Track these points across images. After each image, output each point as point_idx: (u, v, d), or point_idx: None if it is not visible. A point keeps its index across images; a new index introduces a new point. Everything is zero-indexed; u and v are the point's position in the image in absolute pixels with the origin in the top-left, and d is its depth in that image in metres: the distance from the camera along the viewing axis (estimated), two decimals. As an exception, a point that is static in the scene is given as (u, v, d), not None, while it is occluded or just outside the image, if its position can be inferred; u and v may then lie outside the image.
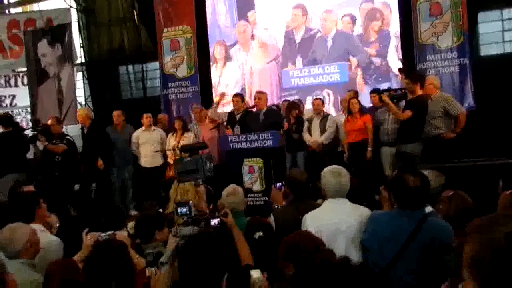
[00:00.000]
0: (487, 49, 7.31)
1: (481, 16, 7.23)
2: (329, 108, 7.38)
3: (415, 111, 5.04)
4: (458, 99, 6.05)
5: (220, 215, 2.66)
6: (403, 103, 5.40)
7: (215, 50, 8.46)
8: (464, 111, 5.27)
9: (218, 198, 3.66)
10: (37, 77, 9.05)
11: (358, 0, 7.53)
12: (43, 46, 8.98)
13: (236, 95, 6.39)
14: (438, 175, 3.10)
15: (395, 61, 7.29)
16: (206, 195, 3.97)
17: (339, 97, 7.35)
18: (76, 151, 6.53)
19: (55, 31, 9.01)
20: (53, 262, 2.42)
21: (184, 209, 2.32)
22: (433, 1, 6.75)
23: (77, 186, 6.35)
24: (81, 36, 9.57)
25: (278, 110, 6.97)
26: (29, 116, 9.09)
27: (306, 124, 6.28)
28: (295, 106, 6.52)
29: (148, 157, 6.71)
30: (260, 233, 2.83)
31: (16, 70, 9.81)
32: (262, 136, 5.13)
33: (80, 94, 9.54)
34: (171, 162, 6.32)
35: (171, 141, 6.57)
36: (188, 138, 6.42)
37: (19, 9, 10.35)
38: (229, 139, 5.36)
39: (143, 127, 6.83)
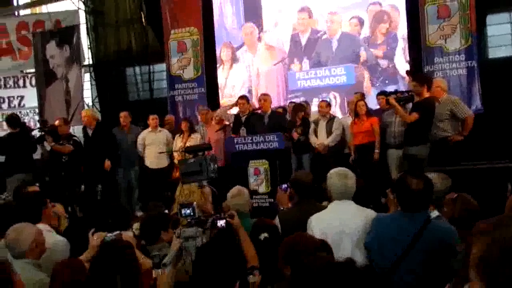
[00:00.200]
0: (495, 52, 7.26)
1: (490, 18, 7.18)
2: (336, 110, 7.37)
3: (422, 114, 5.01)
4: (466, 102, 6.00)
5: (226, 217, 2.66)
6: (410, 105, 5.37)
7: (222, 52, 8.48)
8: (471, 114, 5.23)
9: (224, 199, 3.66)
10: (45, 78, 9.12)
11: (365, 2, 7.52)
12: (51, 48, 9.05)
13: (242, 97, 6.40)
14: (445, 178, 3.08)
15: (402, 64, 7.26)
16: (212, 196, 3.97)
17: (345, 99, 7.34)
18: (83, 152, 6.56)
19: (64, 32, 9.09)
20: (59, 262, 2.43)
21: (188, 211, 2.32)
22: (441, 4, 6.72)
23: (82, 187, 6.39)
24: (89, 38, 9.63)
25: (284, 112, 6.98)
26: (37, 117, 9.16)
27: (312, 126, 6.26)
28: (301, 108, 6.51)
29: (154, 158, 6.73)
30: (266, 234, 2.83)
31: (24, 71, 9.90)
32: (268, 138, 5.13)
33: (88, 95, 9.60)
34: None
35: (178, 142, 6.59)
36: (194, 139, 6.44)
37: (28, 11, 10.44)
38: (235, 140, 5.36)
39: (150, 128, 6.85)
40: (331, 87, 7.66)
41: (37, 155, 6.51)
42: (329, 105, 6.47)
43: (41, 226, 2.89)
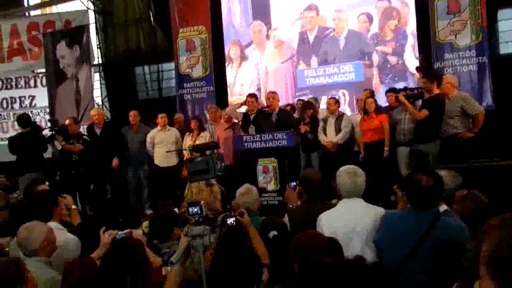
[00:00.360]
0: (507, 47, 7.17)
1: (501, 13, 7.09)
2: (345, 108, 7.33)
3: (431, 111, 4.97)
4: (477, 98, 5.94)
5: (236, 215, 2.67)
6: (419, 102, 5.32)
7: (231, 50, 8.48)
8: (482, 111, 5.17)
9: (233, 198, 3.67)
10: (55, 78, 9.21)
11: (373, -2, 7.47)
12: (61, 48, 9.13)
13: (250, 95, 6.40)
14: (455, 175, 3.05)
15: (412, 60, 7.20)
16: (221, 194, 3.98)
17: (354, 97, 7.30)
18: (92, 151, 6.60)
19: (73, 32, 9.17)
20: (71, 260, 2.46)
21: (195, 209, 2.33)
22: (451, -1, 6.64)
23: (91, 186, 6.44)
24: (98, 38, 9.71)
25: (293, 110, 6.97)
26: (48, 117, 9.25)
27: (321, 123, 6.24)
28: (310, 105, 6.49)
29: (163, 157, 6.76)
30: (275, 232, 2.83)
31: (35, 71, 10.00)
32: (276, 136, 5.13)
33: (97, 94, 9.67)
34: (186, 161, 6.36)
35: (187, 140, 6.61)
36: (204, 138, 6.45)
37: (38, 12, 10.54)
38: (244, 139, 5.37)
39: (158, 127, 6.88)
40: (339, 85, 7.63)
41: (48, 154, 6.57)
42: (337, 102, 6.44)
43: (52, 224, 2.92)
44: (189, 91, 8.39)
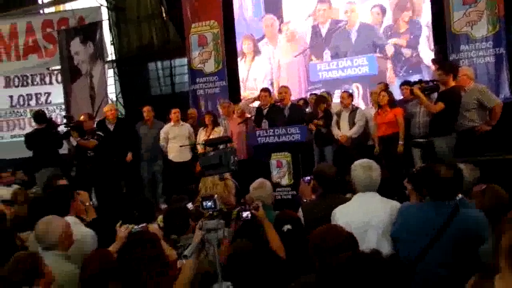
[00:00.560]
0: (525, 38, 7.00)
1: (519, 3, 6.92)
2: (359, 102, 7.27)
3: (447, 103, 4.89)
4: (494, 91, 5.82)
5: (251, 208, 2.67)
6: (435, 95, 5.25)
7: (244, 44, 8.46)
8: (499, 103, 5.07)
9: (246, 192, 3.67)
10: (70, 75, 9.30)
11: (387, -10, 7.37)
12: (75, 44, 9.22)
13: (264, 89, 6.39)
14: (473, 169, 3.01)
15: (426, 52, 7.09)
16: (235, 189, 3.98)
17: (368, 90, 7.23)
18: (106, 147, 6.64)
19: (87, 29, 9.24)
20: (90, 253, 2.50)
21: (209, 203, 2.33)
22: (466, -11, 6.52)
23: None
24: (112, 34, 9.77)
25: (306, 104, 6.94)
26: (63, 113, 9.37)
27: (334, 118, 6.20)
28: (324, 99, 6.45)
29: (177, 152, 6.80)
30: (289, 226, 2.83)
31: (50, 68, 10.12)
32: (290, 131, 5.11)
33: (111, 90, 9.75)
34: (200, 156, 6.38)
35: (202, 135, 6.63)
36: (218, 133, 6.48)
37: (52, 9, 10.66)
38: (257, 133, 5.37)
39: (172, 122, 6.92)
40: (353, 78, 7.56)
41: (64, 150, 6.67)
42: (351, 96, 6.38)
43: (69, 218, 2.97)
44: (202, 86, 8.41)
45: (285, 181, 5.07)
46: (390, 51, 7.34)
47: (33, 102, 10.02)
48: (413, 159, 5.54)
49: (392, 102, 5.75)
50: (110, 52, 9.74)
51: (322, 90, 7.40)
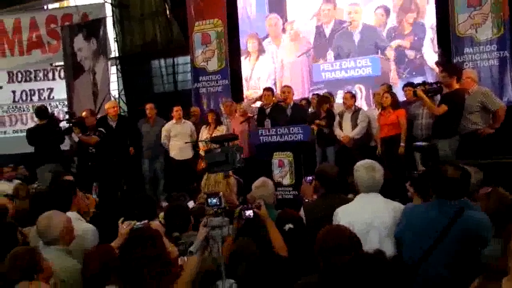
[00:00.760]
0: (529, 41, 6.97)
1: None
2: (361, 103, 7.26)
3: (451, 106, 4.88)
4: (497, 93, 5.81)
5: (253, 207, 2.67)
6: (438, 97, 5.23)
7: (248, 43, 8.46)
8: (503, 106, 5.06)
9: (248, 191, 3.67)
10: (73, 71, 9.31)
11: (391, -9, 7.36)
12: (79, 41, 9.23)
13: (267, 89, 6.39)
14: (476, 171, 3.00)
15: (430, 54, 7.08)
16: (237, 187, 3.98)
17: (371, 91, 7.22)
18: (107, 144, 6.63)
19: (91, 26, 9.25)
20: (91, 249, 2.50)
21: (215, 200, 2.33)
22: (471, -9, 6.50)
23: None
24: (115, 31, 9.77)
25: (308, 104, 6.93)
26: (66, 109, 9.38)
27: (337, 118, 6.19)
28: (326, 100, 6.45)
29: (178, 150, 6.80)
30: (290, 225, 2.83)
31: (53, 64, 10.13)
32: (292, 130, 5.12)
33: (114, 87, 9.75)
34: (203, 154, 6.37)
35: (204, 133, 6.62)
36: (221, 132, 6.46)
37: (56, 5, 10.66)
38: (259, 132, 5.37)
39: (174, 120, 6.91)
40: (356, 79, 7.55)
41: (66, 146, 6.66)
42: (353, 97, 6.37)
43: (70, 214, 2.97)
44: (205, 84, 8.40)
45: (286, 180, 5.08)
46: (394, 53, 7.32)
47: (35, 98, 10.04)
48: (415, 161, 5.53)
49: (395, 104, 5.73)
50: (113, 49, 9.76)
51: (325, 90, 7.39)
